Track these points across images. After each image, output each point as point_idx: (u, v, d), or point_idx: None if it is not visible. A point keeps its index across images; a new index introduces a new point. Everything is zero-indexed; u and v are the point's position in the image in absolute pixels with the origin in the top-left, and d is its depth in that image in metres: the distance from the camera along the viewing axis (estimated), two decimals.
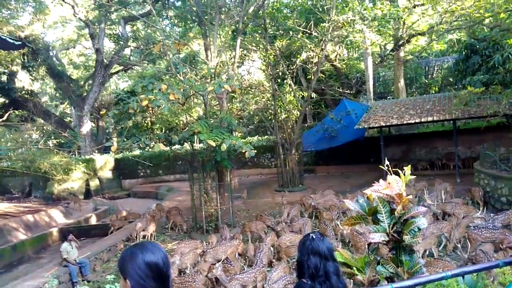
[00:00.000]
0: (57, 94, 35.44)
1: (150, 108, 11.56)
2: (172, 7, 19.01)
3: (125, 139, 14.04)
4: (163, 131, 25.41)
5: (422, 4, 18.66)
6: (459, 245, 8.47)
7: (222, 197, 11.93)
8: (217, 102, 16.22)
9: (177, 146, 20.32)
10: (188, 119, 16.18)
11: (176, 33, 19.53)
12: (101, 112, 27.77)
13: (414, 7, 19.03)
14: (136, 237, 11.46)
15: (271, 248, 8.73)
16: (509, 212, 9.00)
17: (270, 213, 12.54)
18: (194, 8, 14.27)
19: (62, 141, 24.94)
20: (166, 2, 17.77)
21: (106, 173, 23.64)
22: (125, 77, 39.21)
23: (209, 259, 8.17)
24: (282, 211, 11.77)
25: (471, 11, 15.45)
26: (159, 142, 11.19)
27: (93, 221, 15.53)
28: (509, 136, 14.19)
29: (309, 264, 2.22)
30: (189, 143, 12.99)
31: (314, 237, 2.31)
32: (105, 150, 26.11)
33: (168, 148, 21.13)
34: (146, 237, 11.48)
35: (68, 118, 36.50)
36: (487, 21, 14.92)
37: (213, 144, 9.41)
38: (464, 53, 14.29)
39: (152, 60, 26.20)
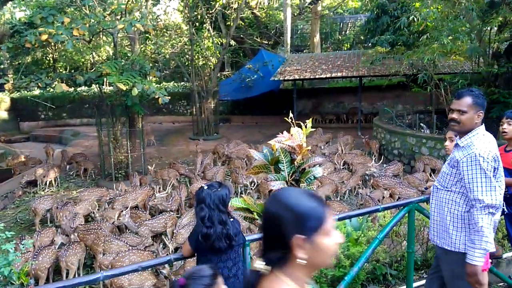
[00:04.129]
0: None
1: (52, 44, 10.43)
2: None
3: (22, 77, 12.65)
4: (67, 70, 23.17)
5: None
6: (353, 192, 9.42)
7: (133, 144, 11.53)
8: (129, 43, 15.14)
9: (83, 88, 18.81)
10: (95, 58, 14.92)
11: None
12: None
13: None
14: (39, 183, 10.71)
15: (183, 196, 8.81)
16: (398, 164, 10.18)
17: (184, 161, 12.52)
18: None
19: None
20: None
21: (1, 114, 21.21)
22: (22, 6, 34.25)
23: (117, 206, 8.00)
24: (195, 159, 11.82)
25: None
26: (62, 82, 10.23)
27: None
28: (406, 94, 15.63)
29: (198, 211, 2.39)
30: (96, 85, 12.09)
31: (204, 187, 2.43)
32: None
33: (72, 89, 19.48)
34: (47, 183, 10.78)
35: None
36: None
37: (123, 87, 8.89)
38: (375, 12, 14.94)
39: None
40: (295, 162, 3.10)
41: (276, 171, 3.16)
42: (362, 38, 27.45)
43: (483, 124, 2.60)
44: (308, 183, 3.08)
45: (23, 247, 3.89)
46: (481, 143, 2.47)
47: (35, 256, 5.58)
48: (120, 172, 11.22)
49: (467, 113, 2.52)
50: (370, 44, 17.92)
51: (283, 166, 3.09)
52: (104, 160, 11.44)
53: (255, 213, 3.26)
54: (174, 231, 6.82)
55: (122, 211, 7.47)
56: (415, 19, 10.88)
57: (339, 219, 3.02)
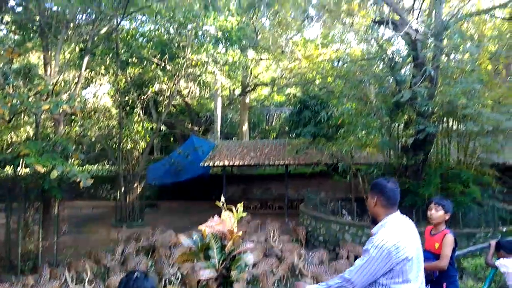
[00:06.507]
0: None
1: None
2: (11, 12, 16.71)
3: None
4: None
5: (267, 59, 21.10)
6: (282, 281, 9.26)
7: (45, 231, 10.49)
8: (53, 123, 14.56)
9: None
10: (13, 139, 14.01)
11: (11, 40, 17.04)
12: None
13: (261, 60, 21.28)
14: None
15: None
16: (322, 251, 10.34)
17: (104, 250, 11.53)
18: (37, 18, 12.80)
19: None
20: (4, 5, 15.44)
21: None
22: None
23: None
24: (116, 248, 10.96)
25: (306, 72, 18.08)
26: None
27: None
28: (329, 182, 16.57)
29: None
30: (11, 166, 11.20)
31: (138, 275, 2.23)
32: None
33: None
34: None
35: None
36: (317, 82, 17.59)
37: (42, 169, 8.35)
38: (298, 106, 16.25)
39: None
40: (226, 249, 3.06)
41: (205, 258, 3.08)
42: (287, 128, 29.42)
43: (396, 212, 2.66)
44: (239, 271, 3.02)
45: None
46: (383, 234, 2.49)
47: None
48: (27, 263, 9.97)
49: (367, 198, 2.75)
50: (294, 135, 19.21)
51: (214, 253, 3.03)
52: (11, 250, 10.16)
53: None
54: None
55: None
56: (333, 114, 12.08)
57: None
